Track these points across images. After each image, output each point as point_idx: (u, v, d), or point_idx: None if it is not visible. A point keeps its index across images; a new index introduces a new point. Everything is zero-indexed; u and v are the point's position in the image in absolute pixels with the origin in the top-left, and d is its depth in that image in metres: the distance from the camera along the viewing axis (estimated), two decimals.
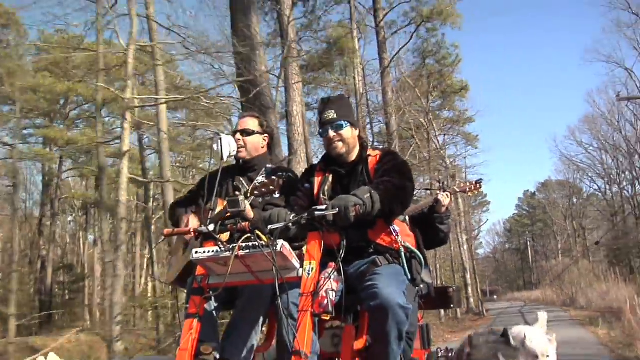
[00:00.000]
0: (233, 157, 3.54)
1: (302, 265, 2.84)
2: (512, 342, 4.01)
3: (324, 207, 2.85)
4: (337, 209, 2.80)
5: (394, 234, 3.18)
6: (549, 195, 54.09)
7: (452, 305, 4.31)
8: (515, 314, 26.41)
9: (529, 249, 64.86)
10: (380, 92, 21.13)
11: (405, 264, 3.18)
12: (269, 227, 2.82)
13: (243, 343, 3.16)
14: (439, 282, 25.90)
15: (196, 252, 2.79)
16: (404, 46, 24.14)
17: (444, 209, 4.13)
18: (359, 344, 3.11)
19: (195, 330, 2.84)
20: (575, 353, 9.44)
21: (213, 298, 3.05)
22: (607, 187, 43.73)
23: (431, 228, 4.04)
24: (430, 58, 26.28)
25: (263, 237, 2.75)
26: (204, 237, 3.02)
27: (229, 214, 2.96)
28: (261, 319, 3.25)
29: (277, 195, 3.33)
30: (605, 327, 13.78)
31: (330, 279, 2.77)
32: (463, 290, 22.84)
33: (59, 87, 23.15)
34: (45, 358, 3.13)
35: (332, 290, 2.74)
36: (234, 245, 2.72)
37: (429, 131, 26.07)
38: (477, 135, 33.53)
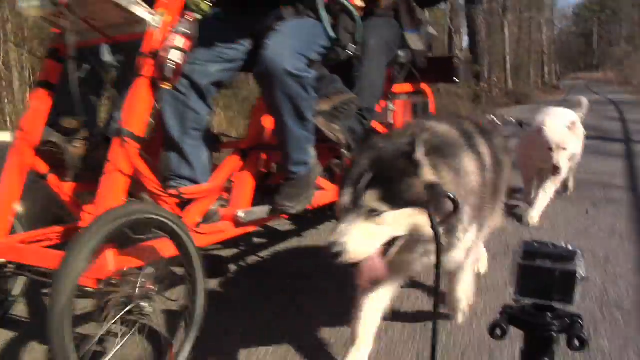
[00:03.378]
0: None
1: None
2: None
3: None
4: None
5: None
6: None
7: (457, 79, 3.37)
8: (583, 88, 29.81)
9: (595, 34, 66.32)
10: None
11: (325, 18, 2.31)
12: None
13: None
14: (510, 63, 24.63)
15: (21, 2, 2.15)
16: None
17: None
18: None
19: (42, 101, 2.31)
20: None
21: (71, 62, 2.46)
22: None
23: None
24: None
25: None
26: None
27: None
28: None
29: None
30: None
31: (180, 33, 2.02)
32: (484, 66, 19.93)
33: None
34: None
35: (178, 48, 2.00)
36: None
37: None
38: None
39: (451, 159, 1.67)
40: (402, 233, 1.58)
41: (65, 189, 2.41)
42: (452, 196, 1.50)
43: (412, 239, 1.61)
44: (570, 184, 4.51)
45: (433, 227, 1.43)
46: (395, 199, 1.54)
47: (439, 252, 1.42)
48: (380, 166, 1.58)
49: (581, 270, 1.07)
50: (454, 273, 2.07)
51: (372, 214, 1.53)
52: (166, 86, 2.00)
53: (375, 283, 1.67)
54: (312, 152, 2.39)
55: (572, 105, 4.29)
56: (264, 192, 2.49)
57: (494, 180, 1.91)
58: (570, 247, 1.11)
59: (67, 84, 2.35)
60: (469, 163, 1.76)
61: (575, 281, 1.07)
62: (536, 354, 1.14)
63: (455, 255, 1.80)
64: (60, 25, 2.25)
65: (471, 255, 2.01)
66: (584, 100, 4.35)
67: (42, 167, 2.34)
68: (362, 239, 1.53)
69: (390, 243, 1.59)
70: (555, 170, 3.66)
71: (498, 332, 1.13)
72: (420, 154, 1.55)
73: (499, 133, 2.32)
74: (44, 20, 2.24)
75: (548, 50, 39.06)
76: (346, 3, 2.36)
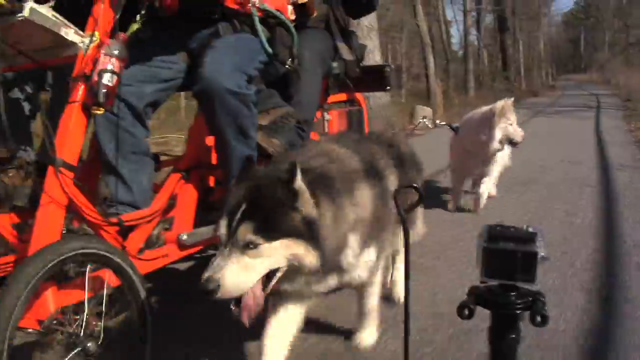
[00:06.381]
0: None
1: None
2: None
3: None
4: None
5: None
6: None
7: (388, 87, 3.40)
8: (573, 86, 35.61)
9: (582, 39, 73.02)
10: None
11: (262, 33, 2.28)
12: None
13: None
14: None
15: None
16: None
17: None
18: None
19: None
20: None
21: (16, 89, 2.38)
22: None
23: None
24: None
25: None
26: None
27: None
28: None
29: None
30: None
31: (111, 55, 1.94)
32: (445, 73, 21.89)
33: None
34: None
35: (110, 71, 1.92)
36: None
37: None
38: None
39: (337, 187, 1.63)
40: (281, 264, 1.54)
41: (0, 220, 2.30)
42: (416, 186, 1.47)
43: (293, 270, 1.57)
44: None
45: (399, 213, 1.38)
46: (272, 230, 1.50)
47: (407, 243, 1.38)
48: (256, 195, 1.54)
49: (542, 251, 1.13)
50: (361, 289, 2.07)
51: (248, 247, 1.48)
52: (99, 111, 1.92)
53: (255, 317, 1.59)
54: None
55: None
56: (205, 210, 2.45)
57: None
58: (530, 229, 1.16)
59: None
60: (360, 191, 1.73)
61: (536, 261, 1.12)
62: (503, 331, 1.19)
63: (357, 274, 1.80)
64: None
65: (376, 273, 2.01)
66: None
67: None
68: (238, 273, 1.47)
69: (269, 275, 1.55)
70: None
71: (466, 312, 1.17)
72: (298, 182, 1.52)
73: (406, 145, 2.40)
74: None
75: (545, 55, 45.92)
76: (282, 17, 2.33)
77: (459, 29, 30.73)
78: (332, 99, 3.20)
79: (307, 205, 1.52)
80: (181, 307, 2.68)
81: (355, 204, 1.68)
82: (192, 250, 2.31)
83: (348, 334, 2.27)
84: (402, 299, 2.48)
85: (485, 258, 1.17)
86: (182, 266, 3.15)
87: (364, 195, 1.74)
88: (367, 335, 2.18)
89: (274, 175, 1.58)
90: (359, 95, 3.49)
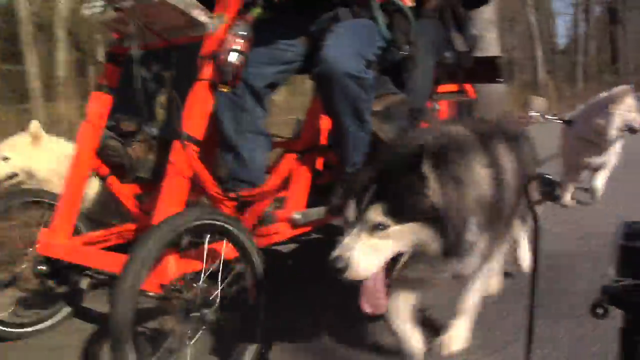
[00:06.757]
0: None
1: None
2: None
3: None
4: None
5: None
6: None
7: (499, 79, 3.30)
8: None
9: None
10: None
11: (380, 19, 2.27)
12: None
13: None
14: None
15: (86, 8, 2.19)
16: None
17: None
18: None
19: (102, 104, 2.34)
20: None
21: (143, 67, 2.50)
22: None
23: None
24: None
25: None
26: None
27: None
28: None
29: None
30: None
31: (239, 36, 2.01)
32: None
33: None
34: None
35: (237, 51, 1.99)
36: None
37: None
38: None
39: (460, 173, 1.60)
40: (407, 248, 1.53)
41: (124, 190, 2.45)
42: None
43: (416, 255, 1.55)
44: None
45: (531, 208, 1.35)
46: (401, 213, 1.49)
47: (537, 236, 1.34)
48: (385, 178, 1.53)
49: None
50: (467, 282, 1.99)
51: (377, 228, 1.48)
52: (225, 89, 1.99)
53: (377, 308, 1.57)
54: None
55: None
56: (314, 192, 2.49)
57: (514, 188, 1.82)
58: None
59: (126, 87, 2.40)
60: (480, 173, 1.69)
61: None
62: (636, 334, 1.10)
63: (469, 262, 1.74)
64: (120, 30, 2.29)
65: (486, 265, 1.92)
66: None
67: (103, 170, 2.38)
68: (366, 254, 1.48)
69: (394, 259, 1.54)
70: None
71: (600, 311, 1.08)
72: (426, 166, 1.50)
73: (525, 136, 2.29)
74: (105, 25, 2.28)
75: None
76: (400, 4, 2.32)
77: (564, 20, 29.38)
78: (442, 88, 3.17)
79: (433, 189, 1.51)
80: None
81: (476, 189, 1.66)
82: (302, 230, 2.36)
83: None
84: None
85: (622, 256, 1.11)
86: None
87: (484, 182, 1.71)
88: (456, 337, 2.03)
89: (402, 158, 1.57)
90: (468, 86, 3.45)
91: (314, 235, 3.41)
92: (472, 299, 2.03)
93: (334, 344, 2.23)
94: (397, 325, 1.85)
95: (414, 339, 1.86)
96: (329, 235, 3.53)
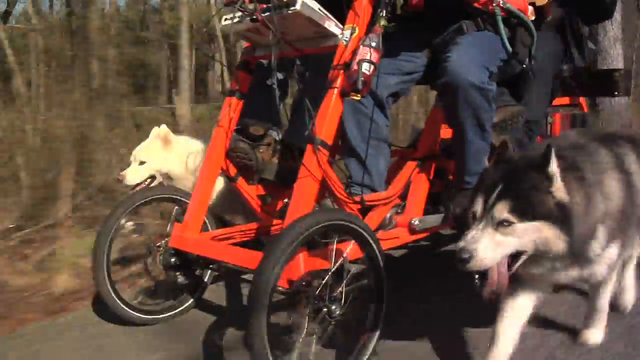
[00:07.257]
0: None
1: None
2: None
3: None
4: None
5: None
6: None
7: (616, 92, 3.21)
8: None
9: None
10: None
11: (503, 32, 2.30)
12: None
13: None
14: None
15: (225, 20, 2.35)
16: None
17: None
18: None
19: (233, 109, 2.50)
20: None
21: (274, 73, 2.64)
22: None
23: None
24: None
25: None
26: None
27: None
28: None
29: None
30: None
31: (370, 47, 2.10)
32: None
33: None
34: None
35: (368, 61, 2.08)
36: (254, 6, 2.20)
37: None
38: None
39: (588, 177, 1.62)
40: (529, 247, 1.57)
41: (251, 191, 2.60)
42: None
43: (538, 254, 1.59)
44: None
45: None
46: (527, 212, 1.53)
47: None
48: (512, 177, 1.58)
49: None
50: (595, 288, 2.01)
51: (502, 224, 1.54)
52: (357, 97, 2.09)
53: (498, 294, 1.64)
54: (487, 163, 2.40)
55: None
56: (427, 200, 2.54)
57: None
58: None
59: (255, 93, 2.54)
60: (609, 182, 1.69)
61: None
62: None
63: (597, 269, 1.75)
64: (254, 40, 2.44)
65: (613, 272, 1.93)
66: None
67: (232, 170, 2.54)
68: (490, 247, 1.53)
69: (515, 256, 1.59)
70: None
71: None
72: (553, 167, 1.53)
73: None
74: (242, 36, 2.43)
75: None
76: (524, 17, 2.34)
77: None
78: (556, 101, 3.15)
79: (560, 190, 1.54)
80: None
81: (605, 196, 1.66)
82: (420, 236, 2.42)
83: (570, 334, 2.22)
84: (628, 309, 2.36)
85: None
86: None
87: (614, 188, 1.71)
88: (594, 334, 2.11)
89: (530, 159, 1.62)
90: (582, 100, 3.42)
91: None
92: (602, 303, 2.07)
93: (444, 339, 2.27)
94: (500, 322, 1.86)
95: (504, 346, 1.85)
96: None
